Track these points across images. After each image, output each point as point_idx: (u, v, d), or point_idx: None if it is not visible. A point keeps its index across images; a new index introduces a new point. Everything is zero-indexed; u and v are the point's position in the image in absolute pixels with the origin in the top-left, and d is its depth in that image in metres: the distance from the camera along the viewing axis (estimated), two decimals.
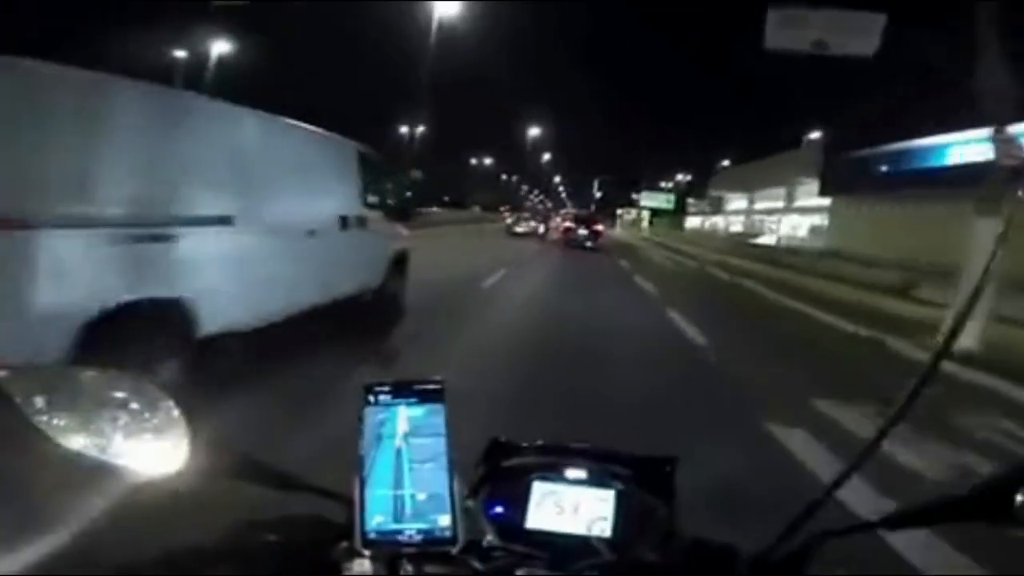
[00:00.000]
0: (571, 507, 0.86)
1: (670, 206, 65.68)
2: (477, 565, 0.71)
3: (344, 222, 5.90)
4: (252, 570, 0.70)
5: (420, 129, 34.43)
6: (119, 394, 0.61)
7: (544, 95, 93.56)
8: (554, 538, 0.83)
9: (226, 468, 0.64)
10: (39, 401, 0.59)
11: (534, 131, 73.13)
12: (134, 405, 0.60)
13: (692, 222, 61.99)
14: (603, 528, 0.84)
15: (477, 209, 61.03)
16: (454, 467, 0.68)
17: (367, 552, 0.65)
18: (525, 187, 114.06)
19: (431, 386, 0.69)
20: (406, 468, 0.66)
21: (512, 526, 0.84)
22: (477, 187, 76.96)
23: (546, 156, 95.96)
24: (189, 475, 0.60)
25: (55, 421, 0.58)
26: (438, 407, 0.68)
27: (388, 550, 0.66)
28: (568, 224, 30.57)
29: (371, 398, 0.68)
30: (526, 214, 42.86)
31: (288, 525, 0.76)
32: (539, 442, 0.96)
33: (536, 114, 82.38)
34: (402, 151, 32.39)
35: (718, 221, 53.89)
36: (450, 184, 72.66)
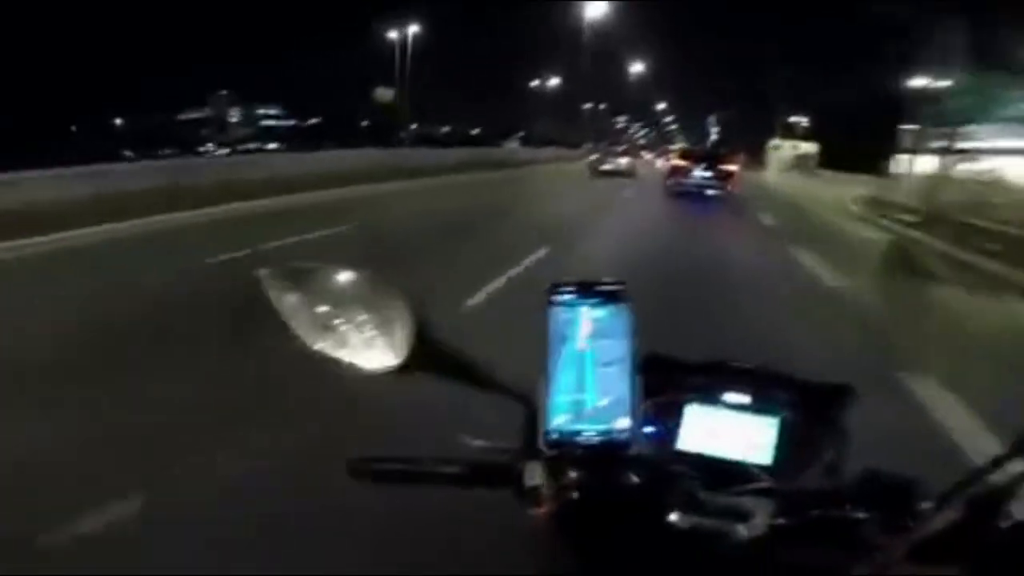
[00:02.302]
0: (727, 431, 0.82)
1: None
2: (634, 478, 0.70)
3: None
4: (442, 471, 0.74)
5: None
6: (358, 291, 0.67)
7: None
8: (707, 461, 0.80)
9: (437, 367, 0.68)
10: (291, 298, 0.65)
11: (637, 67, 65.47)
12: (371, 303, 0.66)
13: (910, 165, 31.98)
14: (761, 456, 0.80)
15: (513, 146, 50.40)
16: (637, 371, 0.66)
17: (547, 452, 0.66)
18: (622, 119, 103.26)
19: (614, 287, 0.67)
20: (588, 371, 0.65)
21: (662, 446, 0.82)
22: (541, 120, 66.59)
23: (660, 104, 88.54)
24: (405, 371, 0.65)
25: (302, 318, 0.65)
26: (622, 307, 0.67)
27: (565, 452, 0.66)
28: (677, 162, 19.63)
29: (555, 298, 0.67)
30: (618, 148, 34.97)
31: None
32: (698, 360, 0.90)
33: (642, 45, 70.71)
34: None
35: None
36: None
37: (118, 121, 52.12)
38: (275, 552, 2.14)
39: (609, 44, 59.48)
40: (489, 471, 0.74)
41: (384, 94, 29.68)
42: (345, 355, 0.67)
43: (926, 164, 20.02)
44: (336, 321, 0.67)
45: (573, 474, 0.68)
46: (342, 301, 0.67)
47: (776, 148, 46.87)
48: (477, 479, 0.74)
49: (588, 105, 75.35)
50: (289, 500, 2.39)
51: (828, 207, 18.31)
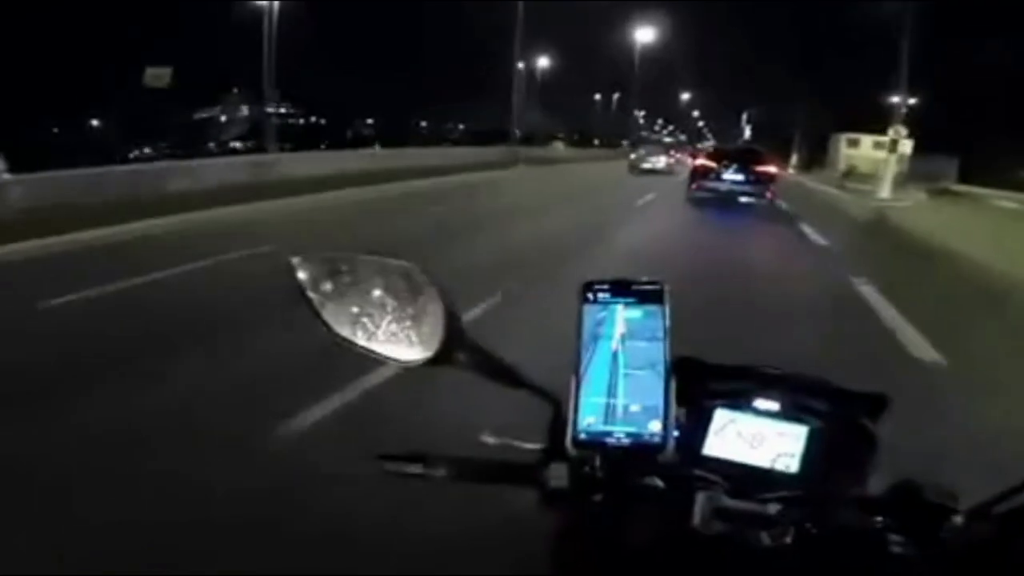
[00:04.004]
0: (756, 438, 0.81)
1: None
2: (658, 482, 0.70)
3: None
4: (464, 471, 0.74)
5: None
6: (391, 280, 0.64)
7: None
8: (732, 467, 0.79)
9: (468, 363, 0.67)
10: (325, 285, 0.63)
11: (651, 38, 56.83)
12: (402, 292, 0.64)
13: None
14: (788, 464, 0.79)
15: (559, 145, 52.29)
16: (671, 374, 0.65)
17: (574, 453, 0.65)
18: (651, 118, 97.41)
19: (651, 286, 0.66)
20: (621, 373, 0.65)
21: (687, 450, 0.80)
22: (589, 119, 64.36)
23: (685, 96, 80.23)
24: (436, 365, 0.64)
25: (333, 305, 0.63)
26: (657, 309, 0.65)
27: (592, 454, 0.66)
28: (702, 162, 16.49)
29: (589, 295, 0.66)
30: (650, 148, 35.97)
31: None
32: (730, 364, 0.88)
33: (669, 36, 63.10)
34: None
35: None
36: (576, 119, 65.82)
37: (95, 122, 48.98)
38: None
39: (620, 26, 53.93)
40: (513, 470, 0.73)
41: (157, 75, 22.57)
42: (375, 347, 0.65)
43: None
44: (367, 312, 0.65)
45: (600, 476, 0.67)
46: (374, 291, 0.65)
47: (853, 144, 34.26)
48: (501, 477, 0.74)
49: (598, 96, 69.95)
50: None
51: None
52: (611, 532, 0.72)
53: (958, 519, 0.66)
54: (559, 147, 48.89)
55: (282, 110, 66.38)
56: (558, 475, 0.68)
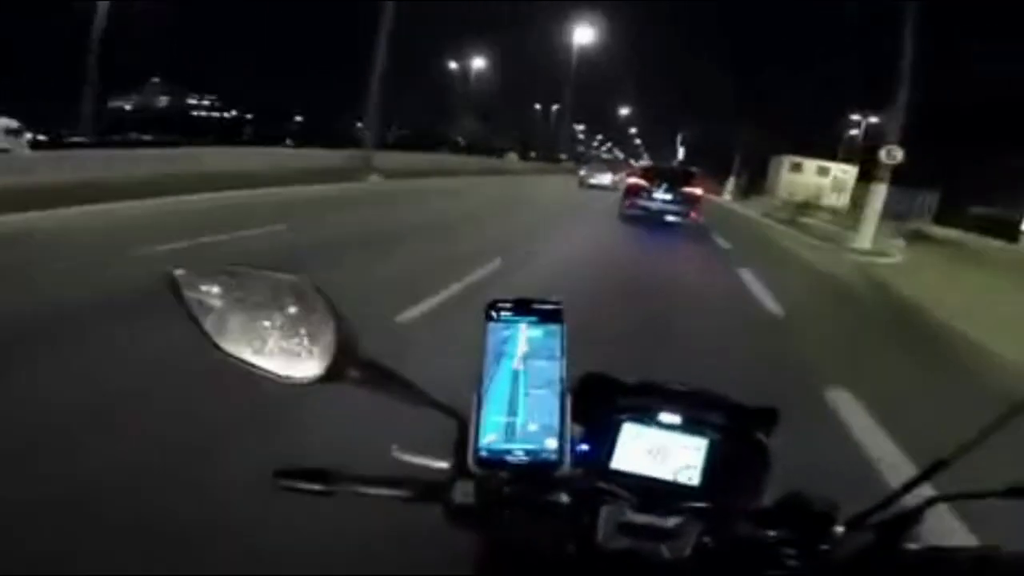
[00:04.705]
0: (659, 451, 0.83)
1: None
2: (564, 498, 0.70)
3: None
4: (369, 487, 0.74)
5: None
6: (281, 295, 0.62)
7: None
8: (638, 481, 0.80)
9: (363, 379, 0.66)
10: (207, 301, 0.62)
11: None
12: (292, 308, 0.62)
13: None
14: (690, 476, 0.81)
15: (513, 156, 50.52)
16: (567, 392, 0.66)
17: (476, 470, 0.66)
18: (590, 133, 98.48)
19: (551, 306, 0.67)
20: (521, 393, 0.66)
21: (596, 464, 0.82)
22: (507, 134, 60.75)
23: (623, 110, 79.68)
24: (329, 382, 0.62)
25: (218, 320, 0.62)
26: (556, 328, 0.67)
27: (494, 472, 0.66)
28: (635, 180, 16.63)
29: (494, 314, 0.67)
30: (604, 166, 40.51)
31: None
32: (634, 380, 0.90)
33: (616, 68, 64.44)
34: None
35: None
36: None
37: None
38: None
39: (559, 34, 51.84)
40: (420, 487, 0.73)
41: None
42: (265, 364, 0.63)
43: None
44: (256, 327, 0.63)
45: (505, 493, 0.67)
46: (264, 306, 0.63)
47: (795, 168, 31.49)
48: (407, 495, 0.73)
49: (538, 106, 67.87)
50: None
51: None
52: (517, 548, 0.73)
53: (839, 529, 0.69)
54: (513, 158, 48.85)
55: (205, 102, 64.37)
56: (464, 492, 0.69)
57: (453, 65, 52.19)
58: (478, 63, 52.00)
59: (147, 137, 34.02)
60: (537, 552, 0.72)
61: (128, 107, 60.21)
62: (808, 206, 23.30)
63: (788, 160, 33.56)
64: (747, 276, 8.94)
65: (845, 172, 31.88)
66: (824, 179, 31.24)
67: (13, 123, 18.42)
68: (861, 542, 0.68)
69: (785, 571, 0.68)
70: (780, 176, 33.50)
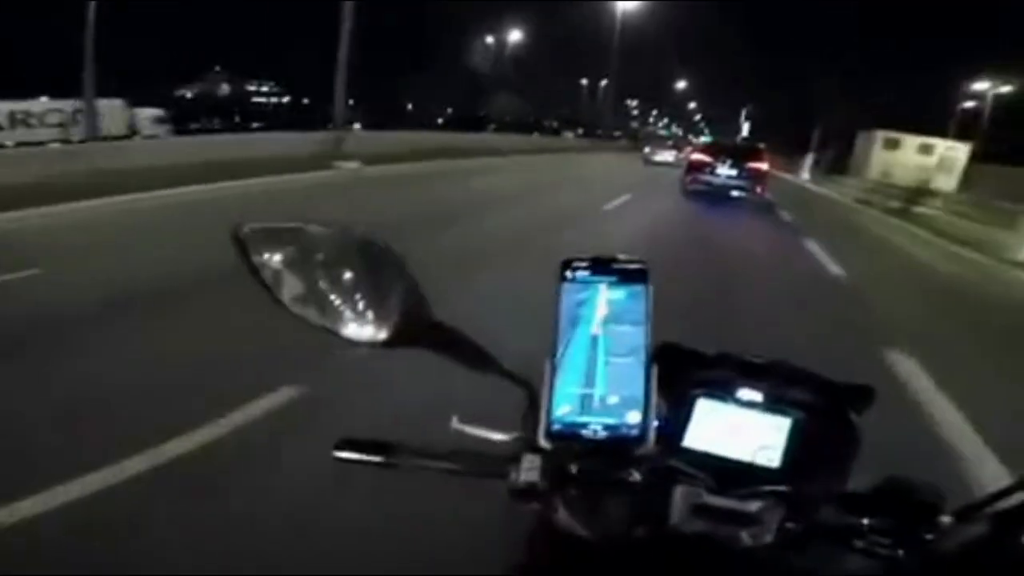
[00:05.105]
0: (736, 429, 0.76)
1: None
2: (635, 476, 0.65)
3: None
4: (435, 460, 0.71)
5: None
6: (348, 253, 0.61)
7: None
8: (713, 460, 0.75)
9: (431, 344, 0.64)
10: (275, 258, 0.60)
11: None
12: (360, 266, 0.60)
13: None
14: (770, 457, 0.74)
15: (569, 135, 51.59)
16: (652, 362, 0.60)
17: (547, 445, 0.61)
18: (645, 107, 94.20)
19: (634, 265, 0.61)
20: (600, 361, 0.60)
21: (668, 440, 0.76)
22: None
23: (681, 83, 75.80)
24: (395, 346, 0.60)
25: (285, 282, 0.60)
26: (640, 289, 0.61)
27: (567, 446, 0.61)
28: (698, 156, 16.29)
29: (568, 274, 0.61)
30: (669, 143, 43.16)
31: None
32: (714, 352, 0.84)
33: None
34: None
35: None
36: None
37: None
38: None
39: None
40: (483, 461, 0.70)
41: None
42: (330, 324, 0.61)
43: None
44: (323, 287, 0.60)
45: (573, 470, 0.63)
46: (330, 264, 0.60)
47: (891, 145, 26.16)
48: (469, 470, 0.70)
49: (585, 81, 65.17)
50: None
51: None
52: (584, 528, 0.67)
53: (946, 520, 0.65)
54: (568, 137, 49.92)
55: (264, 88, 65.83)
56: (530, 467, 0.65)
57: (492, 40, 51.08)
58: (515, 36, 50.62)
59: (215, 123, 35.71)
60: (605, 534, 0.67)
61: (189, 95, 62.32)
62: (921, 192, 18.97)
63: (882, 135, 28.16)
64: (883, 333, 4.92)
65: (952, 150, 26.10)
66: (928, 158, 25.02)
67: (159, 112, 20.24)
68: (972, 534, 0.62)
69: (882, 562, 0.64)
70: (871, 154, 27.85)
